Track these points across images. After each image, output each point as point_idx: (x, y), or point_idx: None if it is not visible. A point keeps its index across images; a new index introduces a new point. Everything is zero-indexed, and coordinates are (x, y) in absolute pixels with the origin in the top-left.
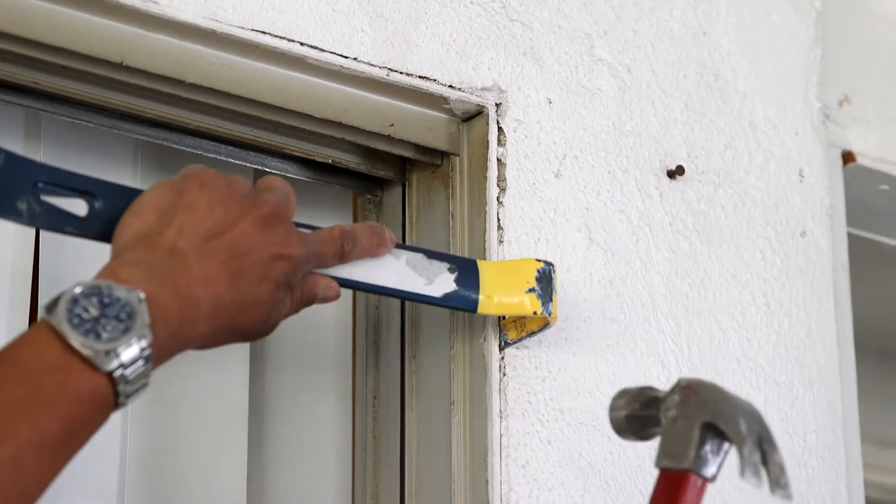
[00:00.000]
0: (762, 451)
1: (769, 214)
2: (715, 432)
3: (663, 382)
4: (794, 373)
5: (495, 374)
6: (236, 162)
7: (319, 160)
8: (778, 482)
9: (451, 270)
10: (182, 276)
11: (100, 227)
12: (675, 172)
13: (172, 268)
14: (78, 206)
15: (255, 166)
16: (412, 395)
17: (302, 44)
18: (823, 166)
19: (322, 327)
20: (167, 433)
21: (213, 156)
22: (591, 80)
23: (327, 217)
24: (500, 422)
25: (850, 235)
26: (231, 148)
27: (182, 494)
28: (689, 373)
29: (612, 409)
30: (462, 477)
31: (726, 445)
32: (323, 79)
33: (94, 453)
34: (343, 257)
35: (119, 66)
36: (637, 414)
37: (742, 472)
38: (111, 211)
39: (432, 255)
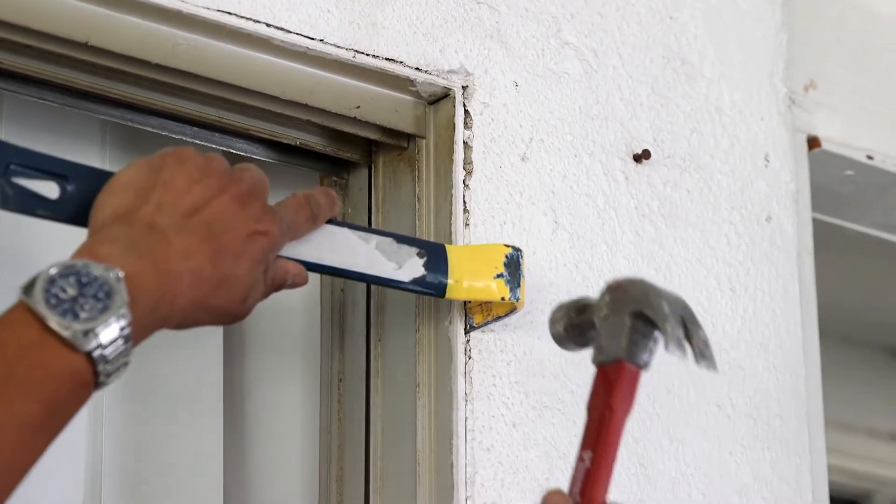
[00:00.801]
0: (686, 328)
1: (734, 199)
2: (644, 321)
3: None
4: (758, 357)
5: (461, 358)
6: (202, 143)
7: (285, 142)
8: (703, 354)
9: (419, 255)
10: (161, 250)
11: (72, 210)
12: (641, 156)
13: (151, 243)
14: (50, 189)
15: (221, 148)
16: (377, 379)
17: (268, 25)
18: (789, 151)
19: (290, 311)
20: (141, 416)
21: (179, 137)
22: (558, 63)
23: None
24: (466, 405)
25: (815, 221)
26: (197, 129)
27: (157, 477)
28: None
29: (551, 322)
30: (427, 460)
31: (656, 333)
32: (289, 60)
33: (66, 437)
34: (315, 220)
35: (84, 46)
36: (574, 322)
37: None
38: (83, 194)
39: (401, 239)
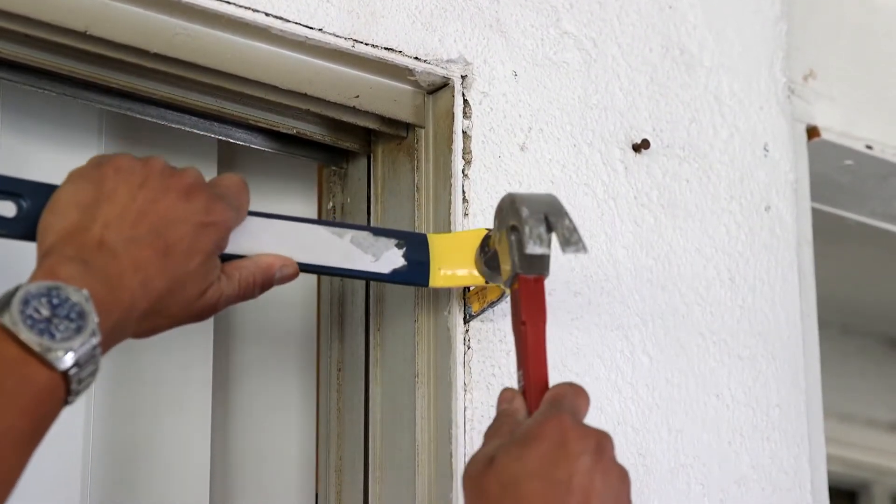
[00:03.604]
0: (548, 222)
1: (734, 189)
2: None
3: (627, 356)
4: (757, 347)
5: (460, 347)
6: (200, 132)
7: (284, 131)
8: (568, 241)
9: (398, 246)
10: (114, 268)
11: (29, 228)
12: (641, 146)
13: (103, 262)
14: (6, 208)
15: (220, 137)
16: (376, 368)
17: (266, 14)
18: (788, 141)
19: (286, 301)
20: (130, 410)
21: (178, 126)
22: (557, 52)
23: (292, 189)
24: (465, 395)
25: (814, 210)
26: (195, 119)
27: (145, 469)
28: (653, 347)
29: (476, 264)
30: (426, 449)
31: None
32: (288, 49)
33: (59, 429)
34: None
35: (83, 35)
36: (489, 255)
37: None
38: (40, 211)
39: (378, 231)
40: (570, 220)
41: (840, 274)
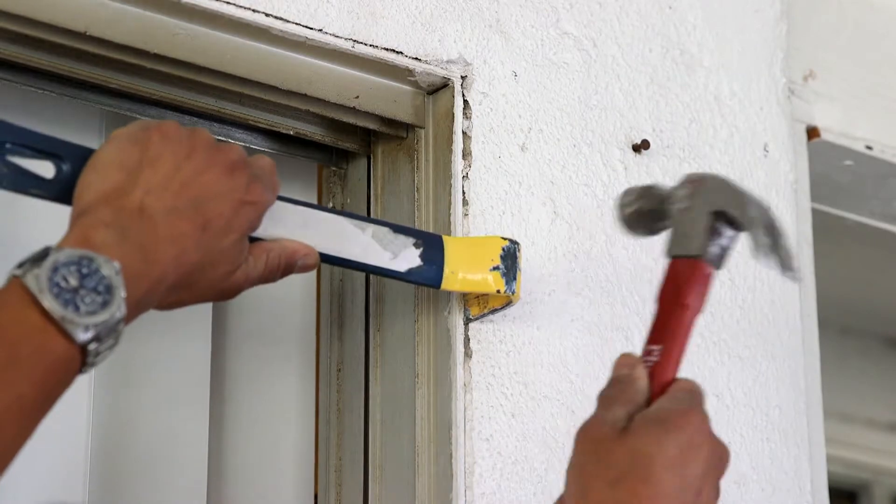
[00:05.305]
0: (772, 237)
1: None
2: (725, 221)
3: None
4: (757, 347)
5: (459, 348)
6: None
7: (284, 132)
8: (788, 266)
9: (416, 245)
10: (150, 238)
11: (67, 190)
12: (641, 146)
13: (141, 230)
14: (45, 169)
15: (220, 138)
16: (376, 368)
17: (267, 14)
18: (788, 141)
19: (286, 299)
20: (129, 403)
21: None
22: (557, 53)
23: (292, 189)
24: (465, 395)
25: (813, 211)
26: (195, 119)
27: (144, 463)
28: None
29: (621, 206)
30: (426, 450)
31: (736, 235)
32: (288, 50)
33: (60, 427)
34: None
35: (83, 36)
36: (645, 209)
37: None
38: (78, 174)
39: (398, 228)
40: (788, 240)
41: (840, 274)
